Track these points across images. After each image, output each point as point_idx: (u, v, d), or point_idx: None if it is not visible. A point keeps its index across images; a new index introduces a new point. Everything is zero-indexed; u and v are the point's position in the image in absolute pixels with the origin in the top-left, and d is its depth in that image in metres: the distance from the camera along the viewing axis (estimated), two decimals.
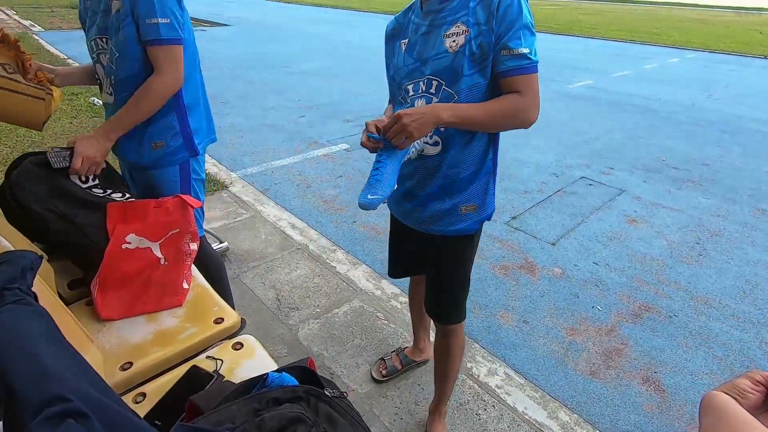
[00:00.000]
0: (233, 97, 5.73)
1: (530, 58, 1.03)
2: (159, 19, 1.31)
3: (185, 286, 1.31)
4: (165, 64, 1.35)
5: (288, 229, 2.78)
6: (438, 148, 1.17)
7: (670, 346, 2.05)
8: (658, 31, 17.11)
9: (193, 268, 1.39)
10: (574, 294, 2.36)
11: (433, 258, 1.35)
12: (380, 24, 16.06)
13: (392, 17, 1.27)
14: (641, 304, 2.31)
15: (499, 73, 1.05)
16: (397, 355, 1.83)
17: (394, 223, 1.45)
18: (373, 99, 5.98)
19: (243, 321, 1.98)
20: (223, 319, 1.23)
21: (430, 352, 1.83)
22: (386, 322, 2.08)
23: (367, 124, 1.08)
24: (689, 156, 4.45)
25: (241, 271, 2.37)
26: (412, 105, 1.16)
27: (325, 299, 2.20)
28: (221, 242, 2.45)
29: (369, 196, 1.04)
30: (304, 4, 23.79)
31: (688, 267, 2.65)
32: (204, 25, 13.03)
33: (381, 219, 2.98)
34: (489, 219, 1.29)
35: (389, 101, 1.39)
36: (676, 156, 4.42)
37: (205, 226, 2.72)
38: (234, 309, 1.90)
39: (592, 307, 2.27)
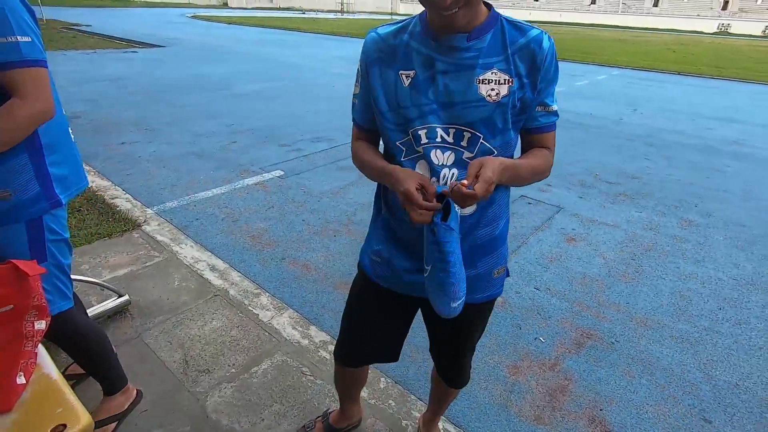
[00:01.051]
0: (159, 123, 5.32)
1: (558, 114, 0.99)
2: (18, 38, 1.05)
3: (20, 381, 1.01)
4: (31, 87, 1.08)
5: (206, 273, 2.49)
6: (474, 207, 0.98)
7: (614, 377, 1.96)
8: (587, 50, 18.32)
9: (42, 352, 1.10)
10: (516, 325, 2.24)
11: (450, 328, 1.17)
12: (326, 45, 16.11)
13: (372, 33, 0.99)
14: (583, 331, 2.23)
15: (532, 129, 0.99)
16: (321, 422, 1.59)
17: (378, 296, 1.16)
18: (314, 121, 5.79)
19: (139, 394, 1.67)
20: (65, 427, 0.95)
21: (357, 415, 1.61)
22: (312, 378, 1.84)
23: (425, 189, 0.87)
24: (620, 170, 4.60)
25: (145, 328, 2.05)
26: (428, 155, 0.94)
27: (242, 356, 1.92)
28: (120, 296, 2.12)
29: (453, 305, 0.96)
30: (249, 26, 23.45)
31: (626, 285, 2.62)
32: (135, 47, 12.37)
33: (312, 254, 2.76)
34: (509, 275, 1.17)
35: (356, 139, 1.11)
36: (609, 170, 4.56)
37: (106, 275, 2.39)
38: (125, 383, 1.60)
39: (535, 338, 2.15)
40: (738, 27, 54.01)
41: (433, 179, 0.95)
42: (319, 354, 1.97)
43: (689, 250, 3.08)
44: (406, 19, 0.98)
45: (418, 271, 1.06)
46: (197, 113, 5.88)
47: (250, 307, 2.23)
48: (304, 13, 45.91)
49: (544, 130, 0.98)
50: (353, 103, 1.08)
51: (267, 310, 2.22)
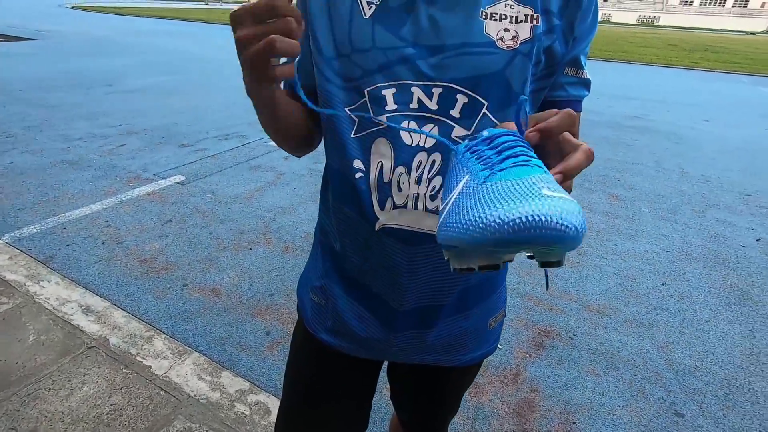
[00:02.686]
0: (22, 127, 4.34)
1: (590, 87, 0.65)
2: None
3: None
4: None
5: (77, 317, 1.90)
6: None
7: (580, 379, 1.76)
8: None
9: None
10: None
11: (427, 393, 0.85)
12: (224, 35, 14.87)
13: None
14: (540, 329, 2.02)
15: (556, 102, 0.63)
16: None
17: (325, 359, 0.78)
18: (222, 117, 5.12)
19: None
20: None
21: None
22: None
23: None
24: None
25: None
26: (393, 133, 0.58)
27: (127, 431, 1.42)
28: None
29: (547, 191, 0.34)
30: (138, 16, 21.12)
31: (572, 271, 2.49)
32: None
33: (222, 274, 2.26)
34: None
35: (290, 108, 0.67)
36: None
37: None
38: None
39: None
40: (616, 16, 60.63)
41: (400, 170, 0.59)
42: (236, 409, 1.53)
43: (622, 226, 3.06)
44: None
45: (386, 325, 0.69)
46: (74, 114, 4.92)
47: (139, 358, 1.71)
48: (207, 4, 42.86)
49: (573, 106, 0.63)
50: None
51: (163, 358, 1.72)
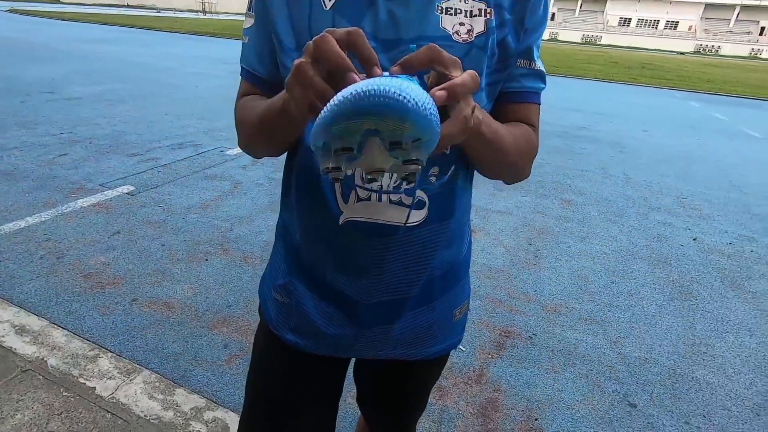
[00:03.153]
0: None
1: (545, 80, 0.66)
2: None
3: None
4: None
5: (9, 338, 1.73)
6: (423, 213, 0.62)
7: (540, 376, 1.80)
8: None
9: None
10: None
11: (394, 389, 0.85)
12: (186, 44, 14.47)
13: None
14: (501, 330, 2.06)
15: (511, 93, 0.64)
16: None
17: (289, 360, 0.76)
18: (175, 125, 4.92)
19: None
20: None
21: None
22: None
23: (333, 31, 0.43)
24: None
25: None
26: None
27: None
28: None
29: (405, 83, 0.37)
30: (87, 22, 20.08)
31: (530, 273, 2.57)
32: None
33: (176, 287, 2.15)
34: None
35: (242, 96, 0.69)
36: None
37: None
38: None
39: (456, 349, 1.91)
40: (563, 35, 64.36)
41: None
42: (191, 428, 1.44)
43: (574, 228, 3.20)
44: None
45: (350, 319, 0.68)
46: (8, 122, 4.56)
47: (81, 379, 1.57)
48: (159, 12, 41.49)
49: (528, 98, 0.65)
50: (243, 44, 0.67)
51: (109, 378, 1.59)
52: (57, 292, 2.04)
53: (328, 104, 0.37)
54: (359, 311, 0.66)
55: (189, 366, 1.69)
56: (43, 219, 2.68)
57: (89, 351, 1.71)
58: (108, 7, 42.94)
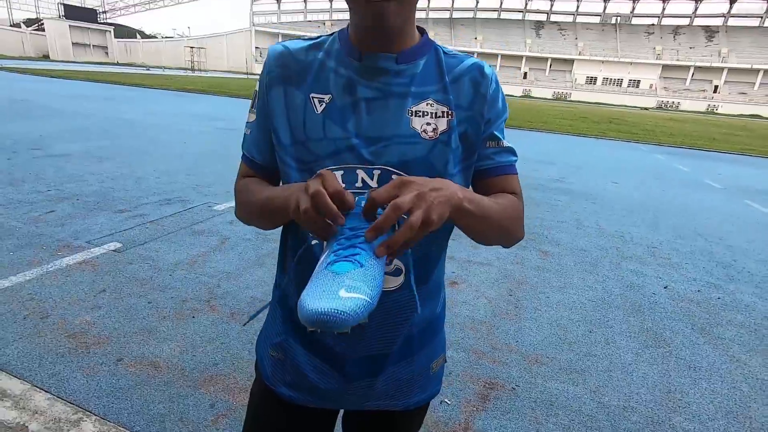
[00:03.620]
0: None
1: (516, 154, 0.79)
2: None
3: None
4: None
5: None
6: (400, 280, 0.72)
7: (524, 427, 1.84)
8: None
9: None
10: None
11: None
12: (175, 101, 14.91)
13: (278, 46, 0.75)
14: (485, 382, 2.11)
15: (487, 170, 0.77)
16: None
17: (284, 414, 0.83)
18: (163, 182, 5.02)
19: None
20: None
21: None
22: None
23: (324, 178, 0.56)
24: None
25: None
26: None
27: None
28: None
29: (344, 293, 0.50)
30: (77, 80, 20.58)
31: (511, 324, 2.65)
32: None
33: (163, 345, 2.16)
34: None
35: (243, 177, 0.82)
36: None
37: None
38: None
39: (441, 402, 1.94)
40: (535, 92, 68.50)
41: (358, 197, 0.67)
42: None
43: (552, 279, 3.33)
44: (319, 36, 0.76)
45: (335, 370, 0.76)
46: None
47: None
48: (148, 69, 42.82)
49: (502, 170, 0.77)
50: (245, 135, 0.80)
51: None
52: (40, 353, 2.02)
53: (299, 306, 0.50)
54: (346, 365, 0.75)
55: (175, 427, 1.68)
56: (27, 278, 2.68)
57: (72, 414, 1.69)
58: (98, 65, 44.16)
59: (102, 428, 1.64)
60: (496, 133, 0.76)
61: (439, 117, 0.71)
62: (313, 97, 0.71)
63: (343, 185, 0.69)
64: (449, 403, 1.95)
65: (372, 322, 0.73)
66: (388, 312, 0.73)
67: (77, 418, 1.68)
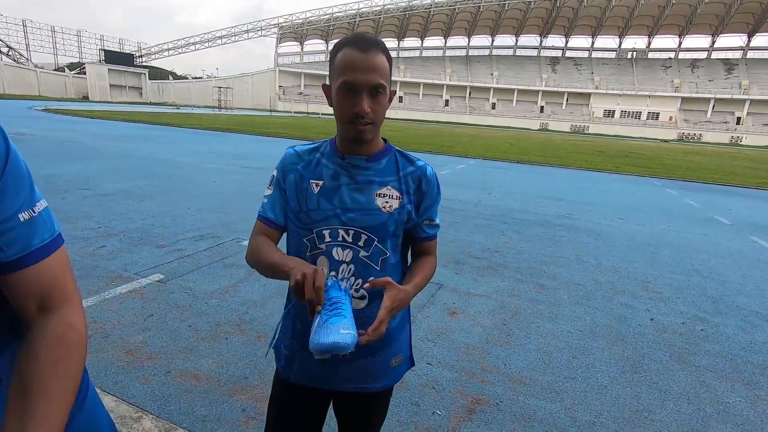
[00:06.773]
0: None
1: (439, 226, 1.24)
2: None
3: None
4: None
5: None
6: (364, 302, 1.13)
7: None
8: (447, 143, 21.37)
9: None
10: (414, 403, 2.36)
11: (359, 417, 1.30)
12: (205, 140, 16.01)
13: (291, 150, 1.19)
14: (473, 397, 2.44)
15: (420, 237, 1.22)
16: None
17: (291, 395, 1.25)
18: (196, 219, 5.60)
19: None
20: None
21: None
22: None
23: (316, 274, 0.93)
24: (485, 246, 5.34)
25: None
26: (329, 252, 1.12)
27: None
28: None
29: (342, 331, 0.92)
30: (115, 120, 22.22)
31: (501, 349, 2.98)
32: None
33: (202, 361, 2.59)
34: (414, 365, 1.36)
35: (258, 234, 1.19)
36: (476, 247, 5.26)
37: None
38: None
39: (433, 413, 2.29)
40: (552, 125, 68.66)
41: (332, 273, 1.12)
42: None
43: (544, 311, 3.65)
44: (318, 142, 1.20)
45: (329, 362, 1.16)
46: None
47: None
48: (178, 108, 45.31)
49: (429, 239, 1.23)
50: (263, 202, 1.19)
51: None
52: (105, 365, 2.48)
53: (312, 342, 0.91)
54: (339, 362, 1.16)
55: (214, 426, 2.08)
56: (89, 304, 3.18)
57: (134, 413, 2.12)
58: (132, 105, 47.00)
59: (158, 424, 2.06)
60: (431, 216, 1.22)
61: (394, 198, 1.14)
62: (312, 182, 1.14)
63: (330, 239, 1.13)
64: (440, 414, 2.29)
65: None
66: (360, 323, 1.15)
67: (138, 416, 2.10)
